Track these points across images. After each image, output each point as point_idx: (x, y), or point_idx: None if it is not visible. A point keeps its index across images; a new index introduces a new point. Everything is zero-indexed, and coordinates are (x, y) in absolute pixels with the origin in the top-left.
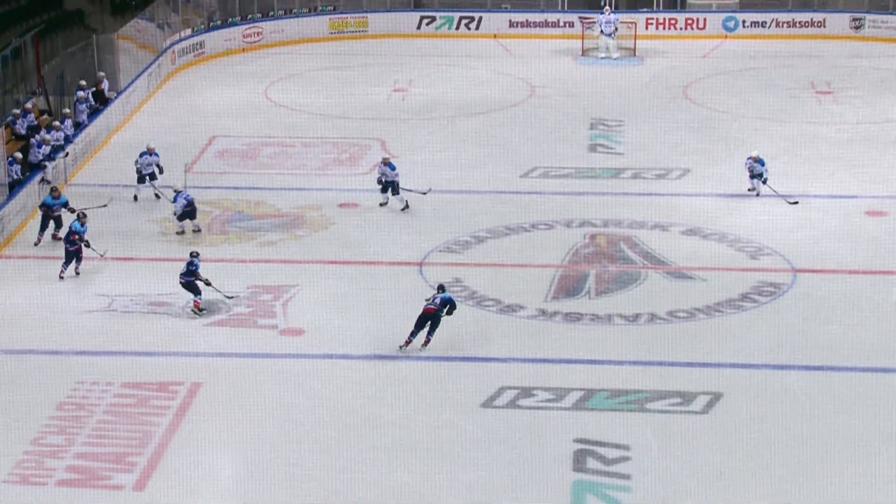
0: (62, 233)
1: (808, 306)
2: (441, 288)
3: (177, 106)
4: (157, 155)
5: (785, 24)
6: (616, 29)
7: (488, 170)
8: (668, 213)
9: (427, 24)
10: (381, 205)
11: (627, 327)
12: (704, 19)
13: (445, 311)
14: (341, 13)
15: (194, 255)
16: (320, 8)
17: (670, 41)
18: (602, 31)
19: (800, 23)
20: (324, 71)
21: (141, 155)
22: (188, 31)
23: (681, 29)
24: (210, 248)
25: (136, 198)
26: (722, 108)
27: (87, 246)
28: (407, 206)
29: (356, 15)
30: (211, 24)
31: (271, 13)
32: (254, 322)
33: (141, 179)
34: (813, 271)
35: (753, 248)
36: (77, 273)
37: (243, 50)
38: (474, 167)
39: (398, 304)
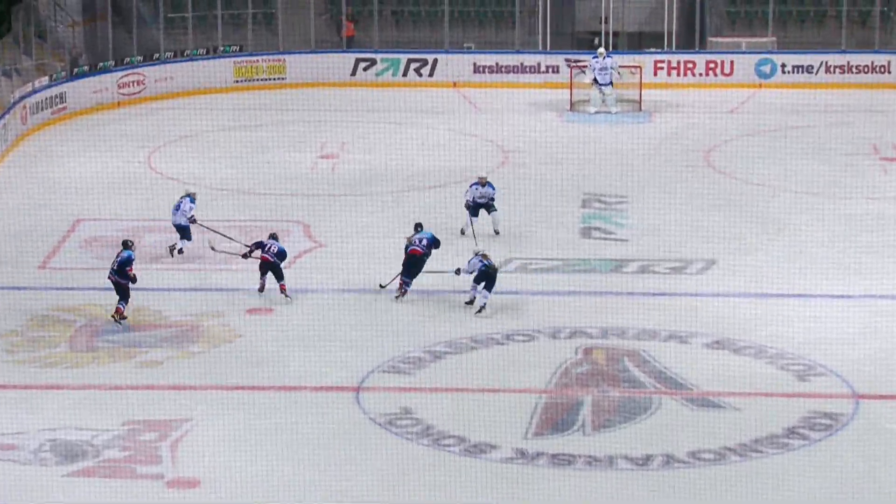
0: None
1: (876, 444)
2: (419, 226)
3: (29, 179)
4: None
5: (837, 69)
6: (615, 77)
7: (447, 262)
8: (687, 319)
9: (364, 70)
10: (462, 232)
11: (635, 473)
12: (732, 62)
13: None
14: (250, 55)
15: (129, 244)
16: (222, 48)
17: (687, 91)
18: (596, 80)
19: (857, 67)
20: (227, 131)
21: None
22: (44, 80)
23: (701, 75)
24: (72, 371)
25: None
26: (756, 180)
27: None
28: (498, 233)
29: (270, 57)
30: (75, 70)
31: (156, 55)
32: (131, 470)
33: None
34: (881, 397)
35: (802, 367)
36: None
37: (119, 104)
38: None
39: (329, 444)
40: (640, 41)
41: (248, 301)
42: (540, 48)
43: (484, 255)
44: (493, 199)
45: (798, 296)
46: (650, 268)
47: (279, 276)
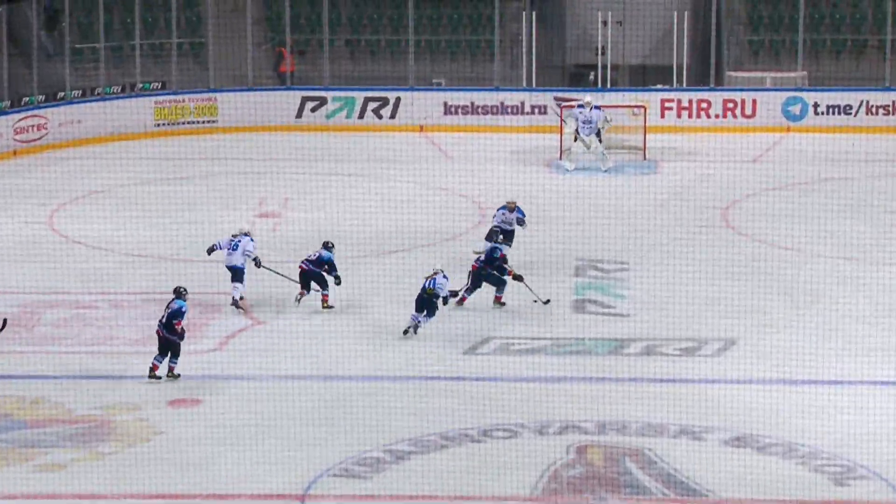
0: None
1: None
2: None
3: None
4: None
5: (881, 110)
6: (602, 128)
7: (412, 344)
8: (701, 410)
9: (313, 111)
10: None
11: None
12: (754, 101)
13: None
14: (174, 93)
15: (181, 292)
16: (140, 85)
17: (701, 135)
18: (578, 132)
19: None
20: (145, 185)
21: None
22: None
23: (717, 117)
24: None
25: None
26: (784, 243)
27: None
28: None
29: (199, 96)
30: None
31: (61, 94)
32: None
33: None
34: None
35: (840, 468)
36: None
37: (15, 153)
38: (391, 339)
39: None
40: (644, 76)
41: (169, 390)
42: (524, 85)
43: (435, 273)
44: (520, 223)
45: (834, 382)
46: (657, 349)
47: (322, 285)
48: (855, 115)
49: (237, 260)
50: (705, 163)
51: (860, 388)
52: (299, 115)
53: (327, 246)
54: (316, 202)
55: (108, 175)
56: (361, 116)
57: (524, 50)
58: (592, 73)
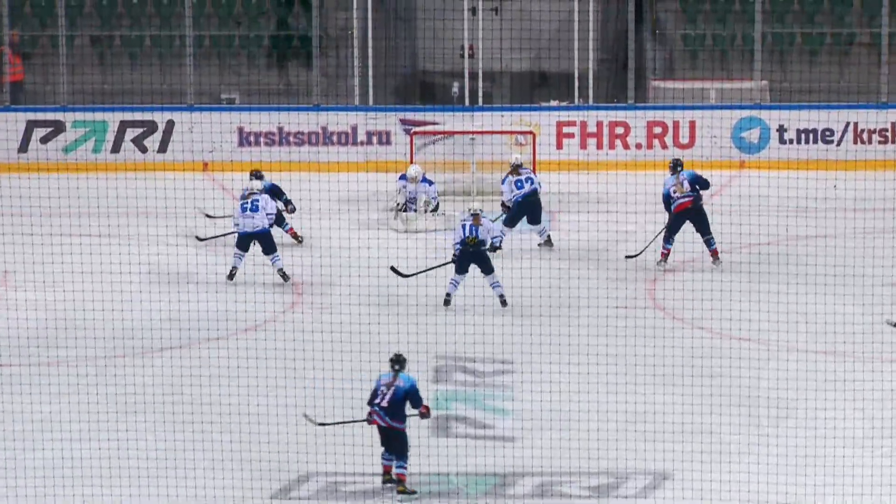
0: None
1: None
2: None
3: None
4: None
5: (875, 136)
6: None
7: (200, 477)
8: None
9: (44, 141)
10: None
11: None
12: (691, 124)
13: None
14: None
15: (401, 361)
16: None
17: (615, 174)
18: (400, 207)
19: None
20: None
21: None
22: None
23: (638, 147)
24: None
25: None
26: (738, 331)
27: None
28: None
29: None
30: None
31: None
32: None
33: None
34: None
35: None
36: None
37: None
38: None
39: None
40: (531, 88)
41: None
42: (357, 102)
43: (475, 217)
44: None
45: None
46: (555, 487)
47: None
48: (838, 144)
49: (260, 221)
50: (622, 214)
51: None
52: (23, 147)
53: (258, 175)
54: (49, 278)
55: None
56: (117, 150)
57: (354, 51)
58: (456, 85)
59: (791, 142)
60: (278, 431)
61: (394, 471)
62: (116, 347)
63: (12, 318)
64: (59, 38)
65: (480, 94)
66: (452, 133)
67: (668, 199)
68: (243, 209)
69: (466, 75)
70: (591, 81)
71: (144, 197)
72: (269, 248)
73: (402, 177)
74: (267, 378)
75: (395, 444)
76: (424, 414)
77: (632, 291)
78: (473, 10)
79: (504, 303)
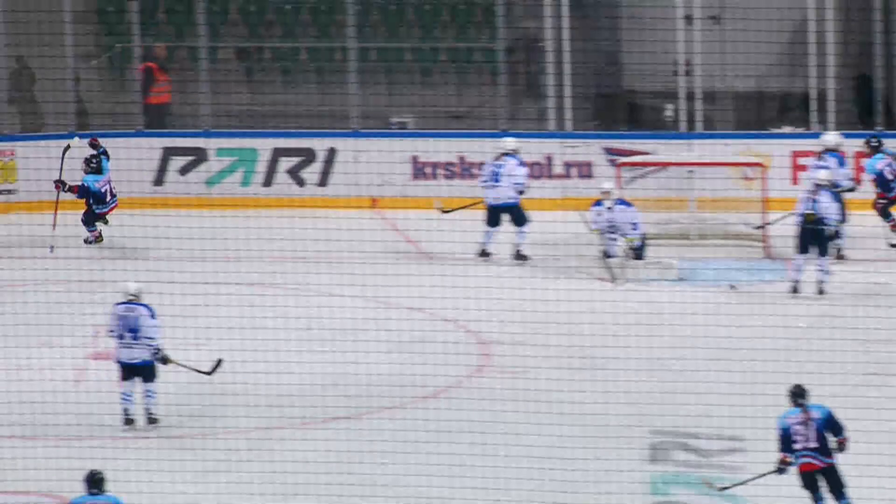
0: None
1: None
2: None
3: None
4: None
5: None
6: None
7: None
8: None
9: (183, 172)
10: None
11: None
12: None
13: None
14: None
15: None
16: None
17: (869, 215)
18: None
19: None
20: None
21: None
22: None
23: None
24: None
25: None
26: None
27: None
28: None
29: None
30: None
31: None
32: None
33: None
34: None
35: None
36: None
37: None
38: None
39: None
40: (759, 111)
41: None
42: (552, 128)
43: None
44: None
45: None
46: None
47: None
48: None
49: (506, 193)
50: (883, 264)
51: None
52: (159, 180)
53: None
54: (192, 333)
55: None
56: (268, 183)
57: (548, 67)
58: (671, 107)
59: None
60: None
61: None
62: (272, 417)
63: (162, 381)
64: (200, 51)
65: (699, 118)
66: (667, 164)
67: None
68: (489, 179)
69: (682, 96)
70: (830, 103)
71: (302, 239)
72: (520, 219)
73: (597, 204)
74: (451, 455)
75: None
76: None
77: (885, 356)
78: (689, 19)
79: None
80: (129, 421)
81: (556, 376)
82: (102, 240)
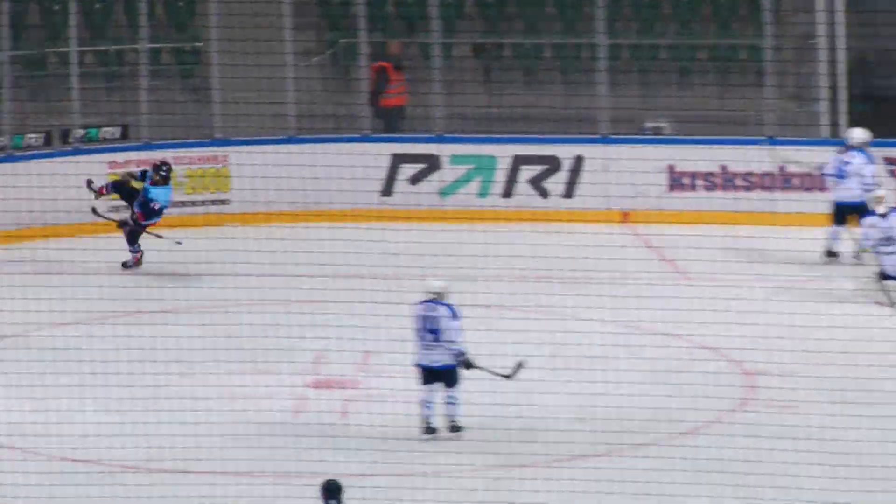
0: None
1: None
2: None
3: None
4: None
5: None
6: None
7: None
8: None
9: (414, 181)
10: None
11: None
12: None
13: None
14: (142, 147)
15: None
16: (82, 133)
17: None
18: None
19: None
20: (96, 325)
21: None
22: None
23: None
24: None
25: None
26: None
27: None
28: None
29: (194, 152)
30: None
31: None
32: None
33: None
34: None
35: None
36: None
37: None
38: None
39: None
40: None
41: None
42: (823, 135)
43: None
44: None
45: None
46: None
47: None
48: None
49: (853, 192)
50: None
51: None
52: (387, 190)
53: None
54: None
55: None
56: (508, 194)
57: (821, 66)
58: None
59: None
60: None
61: None
62: (512, 454)
63: (375, 411)
64: (433, 48)
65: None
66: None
67: None
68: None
69: None
70: None
71: (545, 256)
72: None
73: (869, 213)
74: (710, 498)
75: None
76: None
77: None
78: None
79: None
80: (430, 430)
81: (830, 411)
82: (142, 264)
